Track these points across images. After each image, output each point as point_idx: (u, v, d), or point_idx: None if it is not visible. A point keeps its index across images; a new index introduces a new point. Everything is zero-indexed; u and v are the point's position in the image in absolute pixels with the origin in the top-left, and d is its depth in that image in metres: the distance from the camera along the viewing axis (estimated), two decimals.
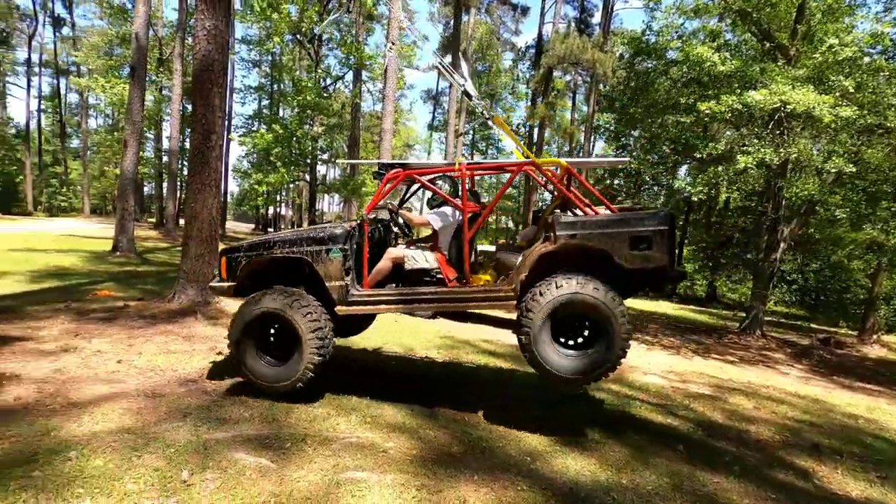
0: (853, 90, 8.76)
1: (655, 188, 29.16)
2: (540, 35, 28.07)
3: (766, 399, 6.43)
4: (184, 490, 2.60)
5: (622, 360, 3.68)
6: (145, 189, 40.25)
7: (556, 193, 4.44)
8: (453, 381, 5.42)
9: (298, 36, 20.95)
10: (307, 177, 22.56)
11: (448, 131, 21.88)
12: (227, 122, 21.57)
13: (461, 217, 4.00)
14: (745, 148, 9.09)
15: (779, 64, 9.66)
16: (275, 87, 29.00)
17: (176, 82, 20.81)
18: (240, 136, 23.68)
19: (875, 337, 15.01)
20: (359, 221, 4.11)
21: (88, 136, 39.44)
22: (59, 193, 39.50)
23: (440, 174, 4.42)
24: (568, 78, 36.32)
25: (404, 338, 6.89)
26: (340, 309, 3.91)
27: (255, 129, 29.26)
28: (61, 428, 3.16)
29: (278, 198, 35.40)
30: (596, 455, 3.68)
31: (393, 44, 12.17)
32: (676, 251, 4.02)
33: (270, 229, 34.44)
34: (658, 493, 3.18)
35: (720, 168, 9.71)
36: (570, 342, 3.90)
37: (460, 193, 4.04)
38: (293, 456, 3.09)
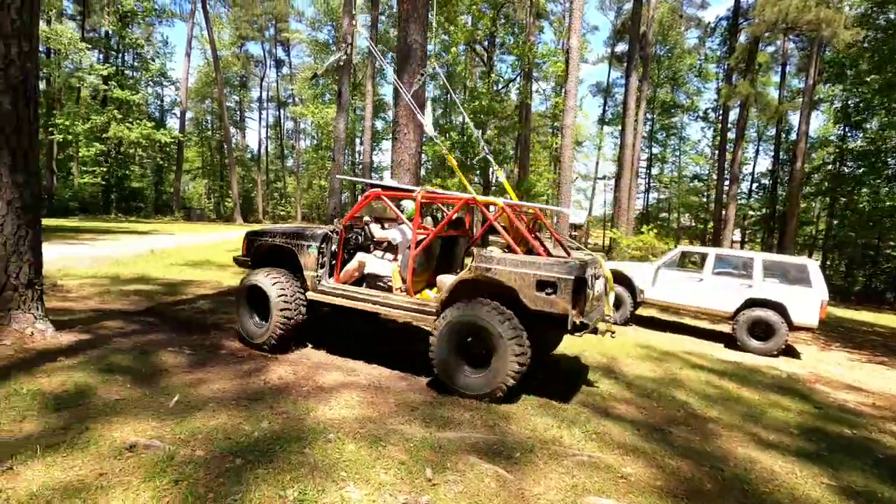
0: None
1: None
2: (737, 2, 24.24)
3: None
4: (431, 489, 2.60)
5: (515, 382, 3.78)
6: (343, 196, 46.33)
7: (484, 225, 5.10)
8: (673, 398, 4.75)
9: (472, 45, 21.65)
10: (480, 180, 23.22)
11: (626, 123, 20.29)
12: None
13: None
14: None
15: None
16: (448, 96, 30.61)
17: (368, 102, 23.37)
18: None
19: None
20: (337, 228, 4.89)
21: (300, 155, 46.97)
22: (279, 204, 48.04)
23: (403, 197, 4.96)
24: (772, 49, 30.81)
25: (604, 347, 6.37)
26: (310, 294, 4.75)
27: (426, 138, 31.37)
28: (316, 409, 3.51)
29: None
30: None
31: (573, 34, 11.63)
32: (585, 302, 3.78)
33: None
34: None
35: None
36: (477, 363, 4.00)
37: (420, 215, 4.60)
38: (526, 468, 2.92)
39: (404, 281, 4.54)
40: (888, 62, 11.70)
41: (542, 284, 3.73)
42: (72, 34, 25.51)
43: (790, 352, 7.92)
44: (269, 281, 4.68)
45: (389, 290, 4.68)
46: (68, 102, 28.48)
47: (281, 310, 4.60)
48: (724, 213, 22.69)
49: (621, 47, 35.25)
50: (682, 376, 5.53)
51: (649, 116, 33.80)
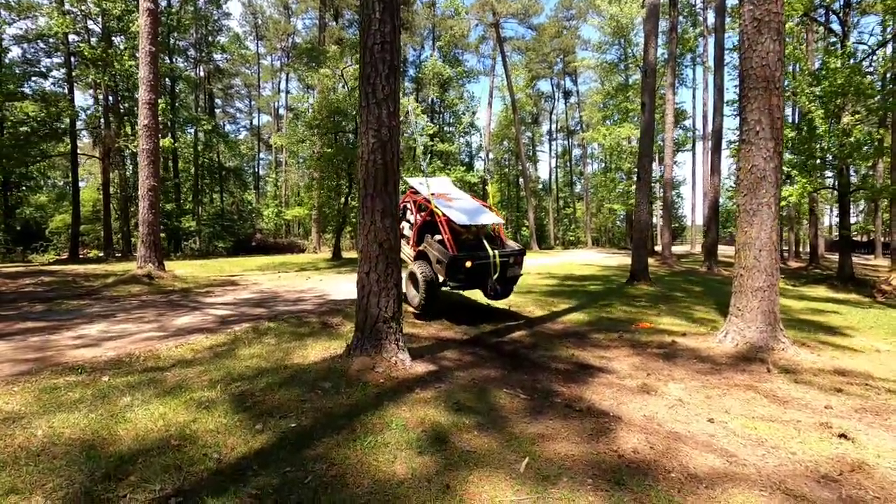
0: None
1: None
2: None
3: None
4: None
5: (423, 303, 7.34)
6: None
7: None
8: None
9: (814, 13, 16.89)
10: (835, 182, 17.60)
11: None
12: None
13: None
14: None
15: None
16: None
17: (668, 111, 21.07)
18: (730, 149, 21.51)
19: None
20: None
21: (588, 180, 46.84)
22: (569, 230, 48.86)
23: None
24: None
25: None
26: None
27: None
28: None
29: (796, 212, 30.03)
30: None
31: None
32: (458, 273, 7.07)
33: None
34: None
35: None
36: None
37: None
38: None
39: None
40: None
41: (438, 260, 7.17)
42: (414, 104, 32.24)
43: None
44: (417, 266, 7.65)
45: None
46: (407, 160, 36.14)
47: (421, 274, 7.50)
48: None
49: None
50: None
51: None
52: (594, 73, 42.83)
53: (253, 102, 47.05)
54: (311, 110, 27.16)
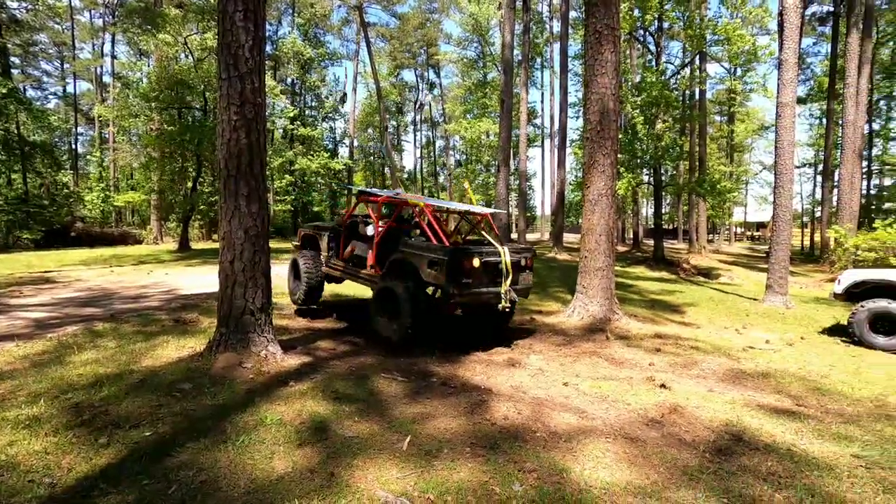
0: None
1: None
2: None
3: None
4: None
5: (410, 330, 5.28)
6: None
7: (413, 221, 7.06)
8: None
9: (634, 33, 19.74)
10: (650, 179, 20.95)
11: (844, 95, 16.30)
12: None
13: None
14: None
15: None
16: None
17: (522, 109, 22.88)
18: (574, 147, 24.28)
19: None
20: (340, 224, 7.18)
21: (451, 171, 48.73)
22: None
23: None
24: None
25: None
26: (323, 269, 6.94)
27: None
28: (567, 467, 2.86)
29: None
30: None
31: None
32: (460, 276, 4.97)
33: None
34: None
35: None
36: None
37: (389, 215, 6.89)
38: None
39: (379, 261, 6.14)
40: None
41: (431, 263, 5.18)
42: (273, 83, 29.95)
43: None
44: (301, 258, 6.90)
45: (363, 265, 6.43)
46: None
47: (307, 276, 6.72)
48: None
49: (815, 9, 29.20)
50: None
51: (866, 85, 27.12)
52: (456, 68, 44.56)
53: (67, 65, 39.23)
54: (146, 80, 23.63)
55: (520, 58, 24.11)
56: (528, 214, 53.92)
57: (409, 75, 48.45)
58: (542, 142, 41.97)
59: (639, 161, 19.62)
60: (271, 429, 3.20)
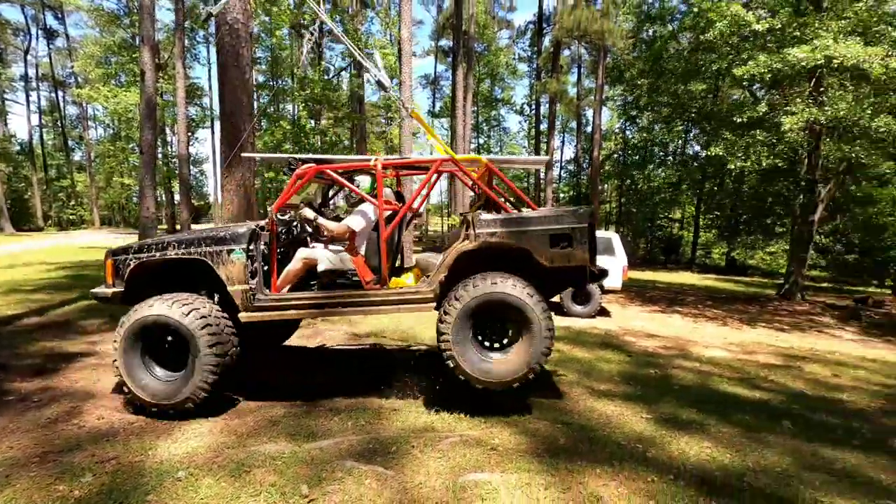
0: None
1: (670, 160, 28.80)
2: (540, 9, 27.37)
3: (838, 365, 6.23)
4: None
5: (544, 363, 3.53)
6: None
7: (477, 191, 4.36)
8: None
9: (302, 30, 20.53)
10: None
11: (456, 115, 21.43)
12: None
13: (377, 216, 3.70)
14: (787, 109, 8.73)
15: (817, 17, 9.21)
16: (276, 82, 28.62)
17: (179, 85, 20.51)
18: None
19: None
20: (263, 222, 3.77)
21: (91, 147, 39.26)
22: (67, 207, 39.54)
23: (356, 170, 3.98)
24: (567, 53, 35.61)
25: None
26: (244, 315, 3.54)
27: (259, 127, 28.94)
28: (156, 446, 3.00)
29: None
30: (707, 438, 3.49)
31: (404, 26, 11.81)
32: (597, 248, 3.90)
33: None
34: (791, 475, 3.00)
35: (759, 132, 9.38)
36: (496, 345, 3.60)
37: (377, 191, 3.69)
38: (404, 460, 2.92)
39: (375, 271, 3.75)
40: (650, 69, 14.53)
41: (556, 239, 3.46)
42: None
43: (603, 312, 9.41)
44: (181, 309, 3.33)
45: (356, 285, 3.73)
46: None
47: (211, 346, 3.34)
48: (542, 195, 25.67)
49: (444, 42, 37.10)
50: None
51: (474, 109, 36.26)
52: (89, 18, 35.68)
53: None
54: None
55: (174, 26, 21.40)
56: (202, 203, 48.88)
57: (12, 13, 35.94)
58: (212, 124, 38.53)
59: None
60: None
